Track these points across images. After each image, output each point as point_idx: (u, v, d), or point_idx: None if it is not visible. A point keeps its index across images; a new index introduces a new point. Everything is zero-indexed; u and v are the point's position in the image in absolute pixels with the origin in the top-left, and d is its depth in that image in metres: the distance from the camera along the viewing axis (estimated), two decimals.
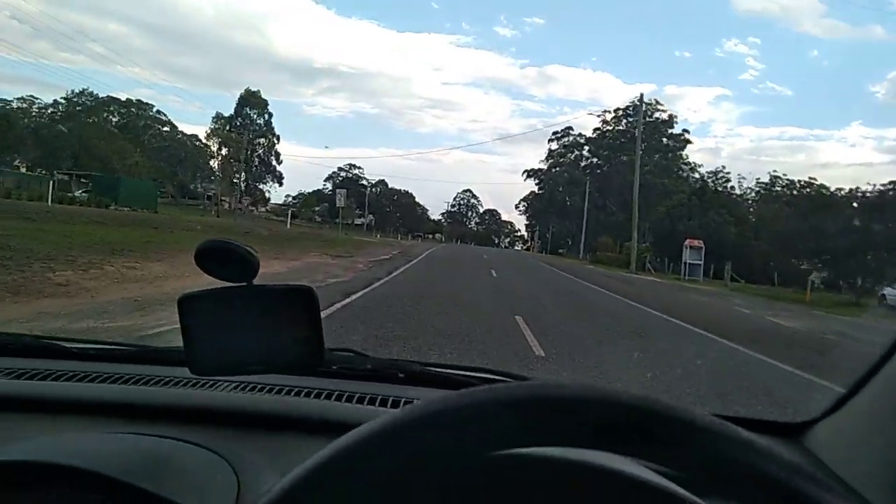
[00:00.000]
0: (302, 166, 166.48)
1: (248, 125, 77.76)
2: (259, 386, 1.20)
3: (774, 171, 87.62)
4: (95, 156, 58.48)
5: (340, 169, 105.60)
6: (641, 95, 44.61)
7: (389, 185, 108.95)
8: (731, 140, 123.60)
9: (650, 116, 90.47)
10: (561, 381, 0.43)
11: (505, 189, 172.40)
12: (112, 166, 58.96)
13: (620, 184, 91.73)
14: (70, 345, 1.38)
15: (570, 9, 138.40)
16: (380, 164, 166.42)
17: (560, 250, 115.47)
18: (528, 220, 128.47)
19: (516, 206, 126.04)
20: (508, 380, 1.25)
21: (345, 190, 36.73)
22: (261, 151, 79.35)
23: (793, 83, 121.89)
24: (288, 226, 59.28)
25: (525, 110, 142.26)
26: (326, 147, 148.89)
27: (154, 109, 72.84)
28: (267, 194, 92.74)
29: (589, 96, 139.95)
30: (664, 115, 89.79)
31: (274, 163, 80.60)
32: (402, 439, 0.41)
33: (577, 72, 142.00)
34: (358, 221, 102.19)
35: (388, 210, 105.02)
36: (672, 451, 0.40)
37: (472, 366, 1.50)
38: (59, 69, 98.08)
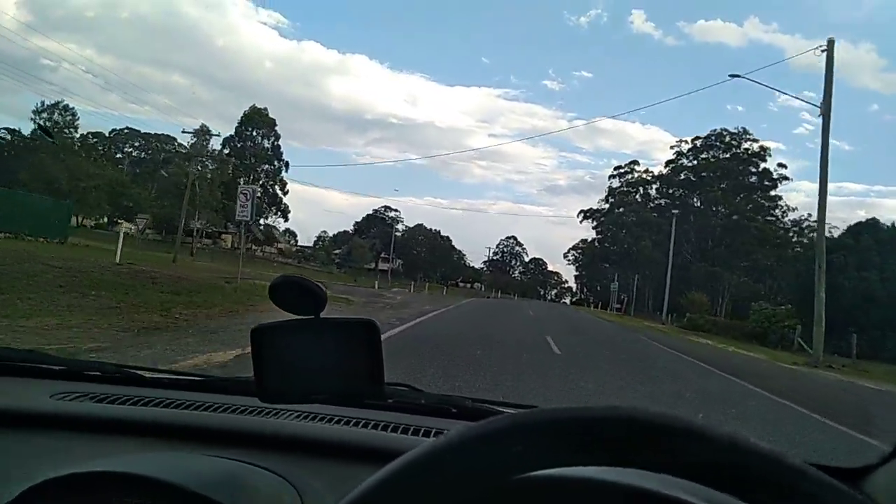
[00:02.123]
0: (348, 211, 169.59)
1: (251, 148, 64.97)
2: (321, 416, 1.26)
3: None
4: (40, 176, 46.09)
5: (375, 211, 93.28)
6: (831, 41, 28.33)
7: (428, 228, 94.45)
8: (787, 195, 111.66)
9: (737, 147, 74.71)
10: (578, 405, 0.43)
11: (551, 239, 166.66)
12: (59, 188, 46.55)
13: (700, 228, 75.80)
14: (147, 374, 1.48)
15: (618, 63, 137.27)
16: (424, 213, 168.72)
17: (617, 305, 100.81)
18: (577, 270, 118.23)
19: (565, 255, 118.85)
20: None
21: (253, 187, 20.70)
22: (263, 179, 66.08)
23: (851, 138, 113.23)
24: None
25: (572, 162, 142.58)
26: (396, 190, 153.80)
27: (176, 143, 62.77)
28: (277, 233, 79.78)
29: (637, 149, 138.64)
30: (755, 146, 73.56)
31: (279, 193, 67.13)
32: (439, 464, 0.43)
33: (626, 125, 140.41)
34: (384, 266, 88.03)
35: (418, 254, 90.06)
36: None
37: (525, 403, 1.49)
38: (125, 119, 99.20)
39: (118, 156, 77.92)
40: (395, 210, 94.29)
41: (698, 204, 75.99)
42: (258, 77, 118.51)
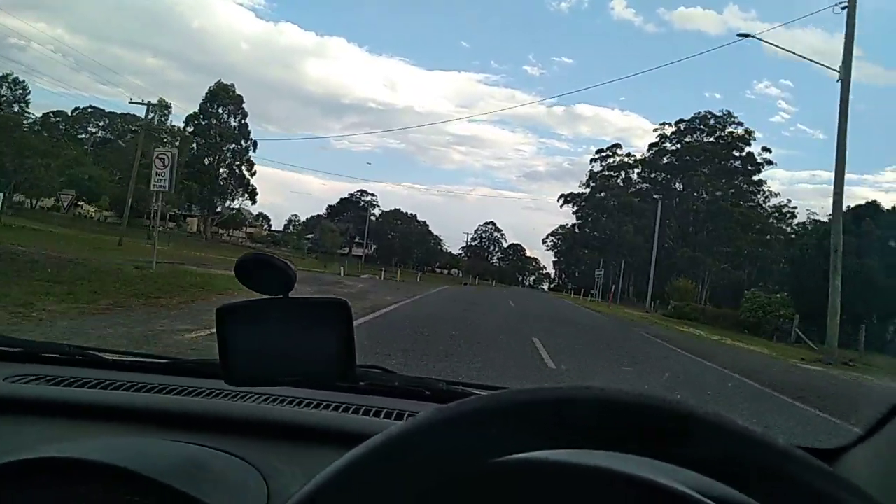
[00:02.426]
0: (325, 196, 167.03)
1: (216, 126, 61.39)
2: (289, 399, 1.23)
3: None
4: None
5: (350, 195, 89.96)
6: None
7: (404, 212, 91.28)
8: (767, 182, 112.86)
9: (721, 130, 72.94)
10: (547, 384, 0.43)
11: (529, 226, 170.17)
12: (2, 165, 43.00)
13: (682, 212, 74.03)
14: (109, 356, 1.44)
15: (598, 50, 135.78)
16: (401, 198, 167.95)
17: (592, 291, 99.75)
18: (556, 256, 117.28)
19: (543, 241, 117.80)
20: None
21: (172, 151, 17.68)
22: (229, 159, 62.63)
23: (825, 127, 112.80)
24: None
25: (551, 148, 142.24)
26: (369, 164, 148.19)
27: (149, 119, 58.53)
28: (248, 217, 76.34)
29: (617, 136, 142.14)
30: (739, 130, 71.79)
31: (246, 174, 63.70)
32: (407, 448, 0.42)
33: (605, 111, 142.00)
34: (358, 252, 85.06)
35: (393, 239, 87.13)
36: (681, 449, 0.40)
37: (500, 385, 1.23)
38: (94, 100, 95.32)
39: (81, 136, 73.90)
40: (372, 194, 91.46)
41: (681, 188, 74.26)
42: (234, 59, 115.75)
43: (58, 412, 1.14)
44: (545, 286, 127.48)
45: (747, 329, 28.84)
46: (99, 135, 78.26)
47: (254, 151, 64.37)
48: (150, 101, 31.44)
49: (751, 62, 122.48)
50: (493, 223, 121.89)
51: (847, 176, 17.22)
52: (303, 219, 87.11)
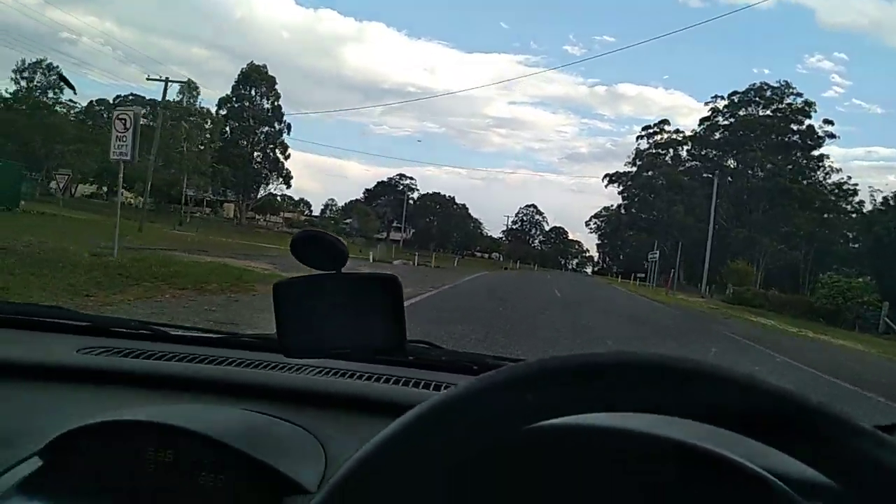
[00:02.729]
0: (363, 181, 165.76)
1: (249, 108, 60.11)
2: (342, 371, 1.29)
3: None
4: (12, 137, 41.81)
5: (389, 179, 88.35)
6: None
7: (442, 195, 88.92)
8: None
9: (779, 102, 68.15)
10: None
11: (572, 208, 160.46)
12: (34, 151, 42.47)
13: (737, 190, 69.75)
14: (172, 331, 1.54)
15: (641, 26, 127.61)
16: (442, 183, 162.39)
17: (639, 274, 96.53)
18: (599, 238, 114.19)
19: (586, 224, 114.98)
20: None
21: (135, 110, 15.43)
22: (263, 143, 61.32)
23: (883, 101, 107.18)
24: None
25: (593, 129, 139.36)
26: (419, 141, 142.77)
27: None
28: (287, 202, 75.32)
29: (660, 115, 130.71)
30: (799, 101, 66.89)
31: (280, 158, 62.33)
32: (450, 415, 0.44)
33: (648, 90, 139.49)
34: (396, 236, 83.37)
35: (431, 222, 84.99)
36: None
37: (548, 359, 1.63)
38: (142, 90, 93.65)
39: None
40: (410, 178, 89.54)
41: (734, 165, 69.88)
42: (275, 47, 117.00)
43: (127, 381, 1.21)
44: (588, 270, 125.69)
45: (822, 317, 25.77)
46: (141, 122, 78.62)
47: (288, 134, 62.95)
48: (167, 78, 29.67)
49: (802, 35, 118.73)
50: (534, 206, 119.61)
51: None
52: (341, 203, 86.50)
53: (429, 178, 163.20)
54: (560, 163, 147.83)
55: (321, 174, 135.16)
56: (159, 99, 68.06)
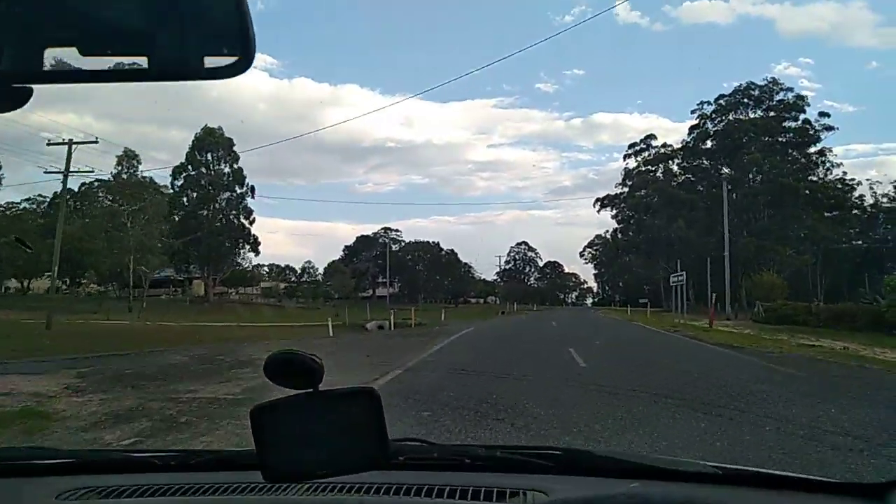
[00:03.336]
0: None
1: (206, 174, 55.65)
2: (330, 486, 1.25)
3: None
4: None
5: (375, 234, 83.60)
6: None
7: (426, 241, 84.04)
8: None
9: (769, 100, 64.49)
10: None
11: (563, 242, 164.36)
12: None
13: (738, 198, 65.19)
14: (150, 455, 1.48)
15: (608, 56, 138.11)
16: (432, 233, 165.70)
17: (641, 300, 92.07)
18: (596, 268, 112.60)
19: (581, 254, 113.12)
20: (562, 455, 1.38)
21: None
22: (225, 210, 56.63)
23: (852, 98, 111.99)
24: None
25: (575, 161, 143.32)
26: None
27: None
28: (249, 267, 70.05)
29: (638, 139, 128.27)
30: (790, 97, 63.08)
31: (245, 224, 57.52)
32: None
33: (623, 116, 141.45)
34: (383, 292, 78.14)
35: (418, 273, 79.84)
36: None
37: (535, 445, 1.57)
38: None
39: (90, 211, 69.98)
40: (396, 230, 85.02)
41: (731, 171, 65.58)
42: (253, 120, 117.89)
43: None
44: (588, 301, 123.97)
45: (890, 328, 20.62)
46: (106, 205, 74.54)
47: (252, 197, 58.28)
48: (71, 140, 24.97)
49: (766, 46, 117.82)
50: (525, 243, 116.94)
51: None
52: (321, 266, 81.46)
53: (417, 230, 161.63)
54: (546, 198, 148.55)
55: (310, 239, 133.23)
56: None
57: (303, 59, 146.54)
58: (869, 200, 65.89)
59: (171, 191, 55.38)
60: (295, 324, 27.41)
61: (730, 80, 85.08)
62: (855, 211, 63.75)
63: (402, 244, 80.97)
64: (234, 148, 56.43)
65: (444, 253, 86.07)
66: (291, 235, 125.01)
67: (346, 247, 78.32)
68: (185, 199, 54.92)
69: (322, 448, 0.82)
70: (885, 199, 67.78)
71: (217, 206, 56.22)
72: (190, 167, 55.51)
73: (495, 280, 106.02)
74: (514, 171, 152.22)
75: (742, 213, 63.57)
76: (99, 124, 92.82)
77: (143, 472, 1.39)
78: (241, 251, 59.05)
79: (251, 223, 57.92)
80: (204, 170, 55.76)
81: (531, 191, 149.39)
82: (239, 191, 57.22)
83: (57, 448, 1.55)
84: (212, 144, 55.97)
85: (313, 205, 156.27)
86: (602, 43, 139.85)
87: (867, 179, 74.03)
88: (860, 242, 67.00)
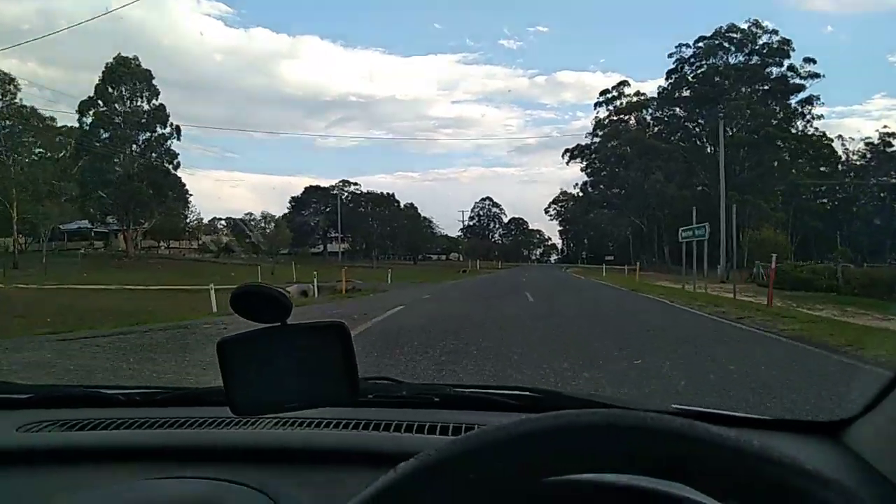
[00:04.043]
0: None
1: (118, 113, 47.83)
2: (299, 421, 1.24)
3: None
4: None
5: (331, 186, 76.21)
6: None
7: (379, 193, 76.93)
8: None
9: (752, 43, 59.13)
10: (608, 410, 0.44)
11: (527, 199, 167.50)
12: None
13: (718, 150, 60.39)
14: (114, 392, 1.46)
15: (573, 13, 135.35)
16: (398, 189, 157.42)
17: (607, 257, 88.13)
18: (561, 224, 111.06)
19: (546, 211, 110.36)
20: (538, 395, 1.37)
21: None
22: (145, 152, 49.08)
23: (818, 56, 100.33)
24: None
25: (538, 119, 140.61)
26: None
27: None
28: (192, 220, 62.69)
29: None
30: (775, 40, 57.72)
31: (171, 169, 50.12)
32: (458, 468, 0.43)
33: (587, 75, 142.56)
34: (334, 248, 71.78)
35: (376, 227, 73.30)
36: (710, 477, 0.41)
37: (501, 385, 1.49)
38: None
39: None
40: (355, 184, 77.81)
41: (705, 123, 60.42)
42: (209, 71, 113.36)
43: (72, 458, 1.15)
44: (553, 258, 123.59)
45: None
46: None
47: (178, 139, 50.72)
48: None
49: (727, 6, 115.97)
50: (489, 198, 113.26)
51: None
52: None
53: (382, 186, 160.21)
54: (510, 156, 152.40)
55: (274, 194, 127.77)
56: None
57: (260, 8, 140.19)
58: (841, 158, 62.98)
59: (80, 129, 47.53)
60: (195, 286, 21.15)
61: (692, 39, 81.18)
62: (840, 166, 60.17)
63: (352, 196, 73.73)
64: (155, 82, 48.75)
65: (400, 206, 79.64)
66: (254, 190, 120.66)
67: (294, 198, 70.96)
68: (94, 140, 47.14)
69: (291, 382, 0.81)
70: (856, 157, 64.77)
71: (135, 147, 48.64)
72: (100, 102, 47.55)
73: (459, 236, 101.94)
74: (478, 127, 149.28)
75: (717, 169, 58.92)
76: (45, 71, 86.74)
77: (105, 407, 1.37)
78: (168, 201, 51.67)
79: (175, 168, 50.52)
80: (117, 105, 47.90)
81: (495, 149, 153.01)
82: (161, 131, 49.62)
83: (20, 383, 1.55)
84: (126, 76, 48.00)
85: (278, 159, 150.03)
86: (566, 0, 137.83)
87: (839, 136, 70.54)
88: (825, 201, 64.34)
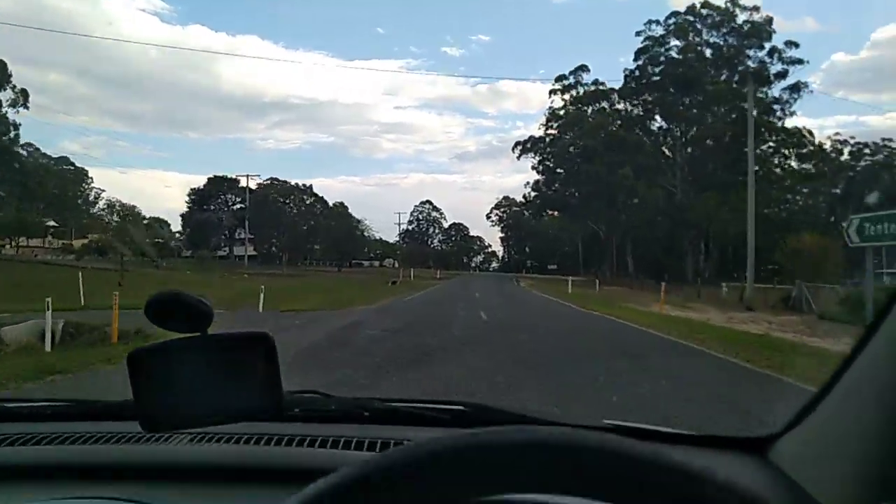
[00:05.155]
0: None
1: None
2: (218, 436, 1.16)
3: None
4: None
5: (238, 178, 64.30)
6: None
7: (294, 185, 65.27)
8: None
9: (729, 21, 51.74)
10: (535, 427, 0.43)
11: (468, 207, 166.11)
12: None
13: (694, 142, 52.42)
14: (15, 405, 1.37)
15: (514, 24, 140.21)
16: (339, 194, 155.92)
17: (550, 266, 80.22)
18: (503, 231, 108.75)
19: (487, 216, 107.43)
20: (467, 410, 1.32)
21: None
22: None
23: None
24: None
25: (479, 127, 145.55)
26: None
27: None
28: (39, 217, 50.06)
29: (542, 108, 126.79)
30: (756, 17, 50.42)
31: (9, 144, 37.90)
32: (382, 486, 0.41)
33: (527, 85, 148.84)
34: (240, 251, 60.03)
35: (285, 226, 61.68)
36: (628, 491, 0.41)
37: (432, 399, 1.43)
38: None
39: None
40: (283, 182, 66.01)
41: (683, 110, 52.53)
42: (144, 67, 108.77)
43: None
44: (493, 265, 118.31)
45: None
46: None
47: (25, 107, 38.55)
48: None
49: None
50: (429, 202, 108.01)
51: None
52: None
53: (323, 190, 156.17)
54: (451, 163, 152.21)
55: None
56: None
57: (197, 4, 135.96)
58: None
59: None
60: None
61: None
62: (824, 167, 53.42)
63: (262, 188, 61.84)
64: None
65: (329, 205, 68.53)
66: (182, 190, 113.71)
67: (194, 190, 58.58)
68: None
69: (210, 396, 0.76)
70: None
71: None
72: None
73: (397, 241, 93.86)
74: (420, 133, 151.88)
75: (697, 161, 51.42)
76: None
77: (15, 422, 1.28)
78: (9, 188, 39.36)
79: (14, 142, 38.27)
80: None
81: (437, 155, 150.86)
82: None
83: None
84: None
85: (215, 160, 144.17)
86: (508, 11, 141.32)
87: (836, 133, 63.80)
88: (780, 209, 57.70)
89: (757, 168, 47.97)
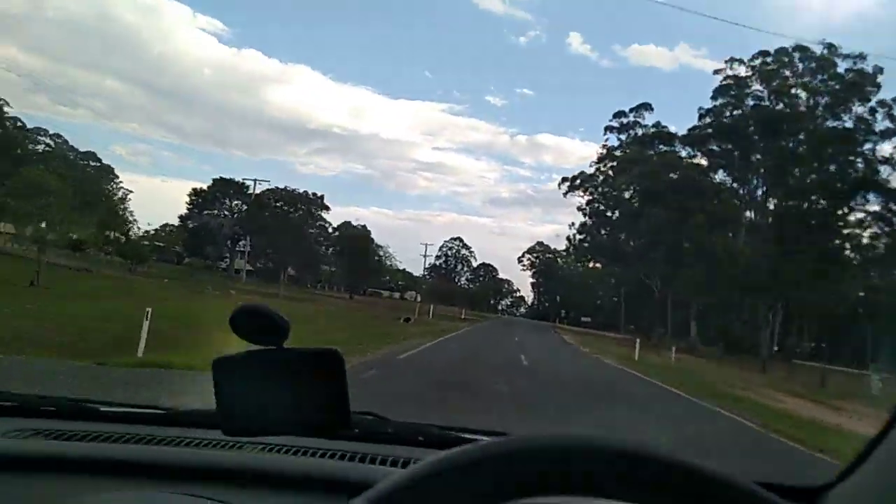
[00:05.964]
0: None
1: None
2: (286, 447, 1.26)
3: None
4: None
5: (247, 179, 58.53)
6: None
7: (300, 194, 58.24)
8: None
9: (830, 67, 44.22)
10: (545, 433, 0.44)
11: (496, 251, 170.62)
12: None
13: (773, 198, 44.45)
14: (105, 408, 1.46)
15: (557, 82, 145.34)
16: (370, 223, 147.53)
17: (584, 318, 72.25)
18: (534, 276, 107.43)
19: (519, 260, 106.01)
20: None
21: None
22: None
23: None
24: None
25: (515, 175, 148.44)
26: None
27: None
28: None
29: (578, 164, 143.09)
30: (864, 67, 42.70)
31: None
32: (412, 494, 0.45)
33: (566, 140, 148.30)
34: (242, 264, 53.45)
35: (289, 239, 54.26)
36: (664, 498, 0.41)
37: (487, 429, 1.48)
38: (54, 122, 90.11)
39: None
40: (284, 189, 59.79)
41: (764, 159, 44.81)
42: (196, 83, 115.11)
43: (57, 467, 1.14)
44: (521, 310, 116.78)
45: None
46: None
47: None
48: None
49: (700, 90, 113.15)
50: (460, 238, 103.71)
51: None
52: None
53: (355, 218, 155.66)
54: (483, 206, 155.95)
55: None
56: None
57: (254, 30, 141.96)
58: None
59: None
60: None
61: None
62: None
63: (269, 193, 54.95)
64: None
65: (350, 227, 61.85)
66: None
67: (195, 191, 52.33)
68: None
69: (281, 407, 0.79)
70: None
71: None
72: None
73: (423, 275, 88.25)
74: (456, 175, 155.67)
75: (780, 222, 43.62)
76: (26, 58, 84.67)
77: (92, 421, 1.36)
78: None
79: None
80: None
81: (470, 197, 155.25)
82: None
83: (6, 392, 1.45)
84: None
85: (254, 177, 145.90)
86: (552, 69, 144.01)
87: None
88: None
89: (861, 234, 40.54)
